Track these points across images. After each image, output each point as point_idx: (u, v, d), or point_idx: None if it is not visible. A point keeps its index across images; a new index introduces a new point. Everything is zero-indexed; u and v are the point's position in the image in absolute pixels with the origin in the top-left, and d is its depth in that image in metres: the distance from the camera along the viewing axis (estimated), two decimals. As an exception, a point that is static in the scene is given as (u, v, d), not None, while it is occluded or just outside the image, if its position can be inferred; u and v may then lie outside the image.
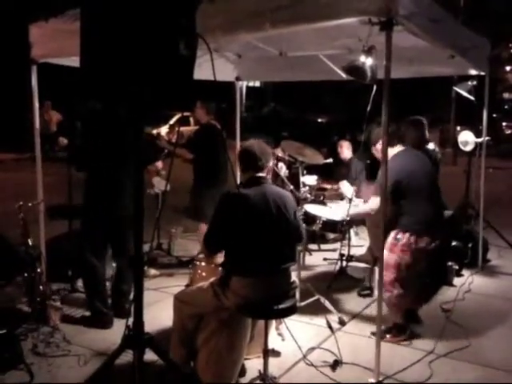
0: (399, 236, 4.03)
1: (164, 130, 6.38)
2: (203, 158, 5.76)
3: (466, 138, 6.71)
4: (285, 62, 5.68)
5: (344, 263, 5.79)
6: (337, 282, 5.47)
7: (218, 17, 3.49)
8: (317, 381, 3.62)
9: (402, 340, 4.17)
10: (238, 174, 3.70)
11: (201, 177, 5.86)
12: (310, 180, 6.27)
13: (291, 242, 3.50)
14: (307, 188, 5.43)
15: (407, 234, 4.01)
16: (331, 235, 6.97)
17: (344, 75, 4.40)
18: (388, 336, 4.16)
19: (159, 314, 4.34)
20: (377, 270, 3.68)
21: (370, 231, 5.45)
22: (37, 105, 4.97)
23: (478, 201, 6.29)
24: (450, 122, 20.01)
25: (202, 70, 2.55)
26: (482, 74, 5.71)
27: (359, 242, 6.90)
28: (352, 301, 5.09)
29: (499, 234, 7.00)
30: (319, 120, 21.50)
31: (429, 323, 4.47)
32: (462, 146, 6.82)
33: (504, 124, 24.41)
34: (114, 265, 4.87)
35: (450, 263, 5.58)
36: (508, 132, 24.11)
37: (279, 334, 4.17)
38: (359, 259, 6.03)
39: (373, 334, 4.04)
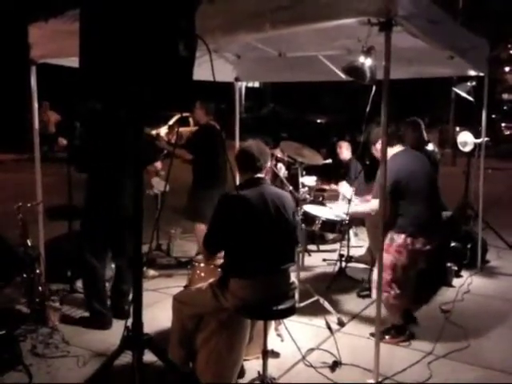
0: (394, 237, 4.03)
1: (163, 131, 6.39)
2: (202, 158, 5.76)
3: (465, 139, 6.73)
4: (284, 62, 5.68)
5: (343, 264, 5.79)
6: (336, 282, 5.47)
7: (218, 17, 3.49)
8: (316, 382, 3.62)
9: (401, 341, 4.17)
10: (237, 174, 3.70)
11: (200, 177, 5.86)
12: (309, 181, 6.28)
13: (290, 242, 3.50)
14: (306, 189, 5.42)
15: (403, 236, 4.02)
16: (330, 236, 6.97)
17: (343, 76, 4.41)
18: (387, 337, 4.16)
19: (158, 314, 4.34)
20: (375, 270, 3.68)
21: (370, 232, 5.45)
22: (36, 105, 4.97)
23: (477, 201, 6.29)
24: (449, 122, 20.02)
25: (202, 71, 2.55)
26: (481, 74, 5.71)
27: (358, 242, 6.91)
28: (351, 302, 5.09)
29: (498, 234, 7.00)
30: (318, 121, 21.52)
31: (428, 324, 4.48)
32: (461, 147, 6.83)
33: (503, 125, 24.47)
34: (113, 266, 4.88)
35: (449, 264, 5.58)
36: (507, 133, 24.17)
37: (278, 335, 4.16)
38: (358, 260, 6.04)
39: (372, 334, 4.04)
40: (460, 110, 17.29)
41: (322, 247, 6.93)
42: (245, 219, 3.26)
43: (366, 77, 3.79)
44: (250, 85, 27.93)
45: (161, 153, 5.74)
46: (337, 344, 3.98)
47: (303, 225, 4.94)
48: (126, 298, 4.58)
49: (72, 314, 4.63)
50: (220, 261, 3.53)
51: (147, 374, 2.41)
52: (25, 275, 4.50)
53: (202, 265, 3.97)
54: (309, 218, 4.95)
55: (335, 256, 5.93)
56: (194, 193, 5.85)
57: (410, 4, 3.28)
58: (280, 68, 5.97)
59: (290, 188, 4.89)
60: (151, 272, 5.69)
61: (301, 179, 5.54)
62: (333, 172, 7.53)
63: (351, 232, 6.55)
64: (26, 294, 4.57)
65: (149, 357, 2.36)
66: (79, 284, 4.94)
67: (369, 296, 5.08)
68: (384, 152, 3.45)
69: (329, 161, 7.09)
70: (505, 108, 28.49)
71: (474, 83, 6.39)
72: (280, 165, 6.69)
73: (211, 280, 3.47)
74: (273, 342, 3.95)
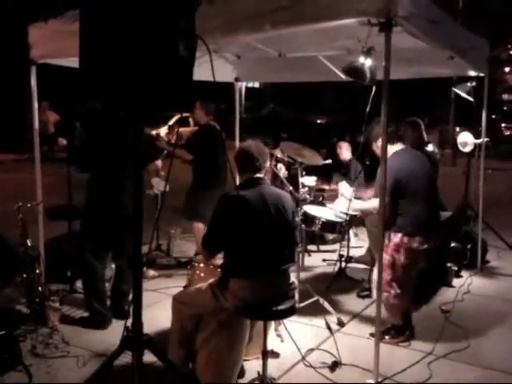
0: (392, 236, 4.04)
1: (163, 131, 6.38)
2: (202, 158, 5.76)
3: (465, 139, 6.73)
4: (284, 62, 5.68)
5: (343, 264, 5.79)
6: (336, 283, 5.47)
7: (218, 18, 3.49)
8: (316, 382, 3.62)
9: (401, 341, 4.17)
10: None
11: (200, 178, 5.86)
12: (309, 181, 6.28)
13: (290, 242, 3.50)
14: (306, 189, 5.42)
15: (399, 235, 4.02)
16: (330, 236, 6.97)
17: (343, 76, 4.40)
18: (387, 337, 4.16)
19: (158, 315, 4.34)
20: (375, 270, 3.68)
21: (369, 232, 5.45)
22: (36, 105, 4.97)
23: (477, 202, 6.30)
24: (449, 123, 20.03)
25: (202, 71, 2.55)
26: (481, 75, 5.71)
27: (358, 243, 6.91)
28: (351, 302, 5.09)
29: (498, 235, 7.00)
30: (318, 121, 21.53)
31: (428, 324, 4.48)
32: (461, 147, 6.83)
33: (503, 125, 24.48)
34: (113, 266, 4.88)
35: (449, 264, 5.58)
36: (507, 133, 24.18)
37: (278, 336, 4.16)
38: (358, 260, 6.04)
39: (372, 335, 4.04)
40: (460, 110, 17.30)
41: (321, 247, 6.93)
42: (244, 219, 3.26)
43: (366, 77, 3.79)
44: (250, 85, 27.93)
45: (161, 153, 5.74)
46: (336, 344, 3.98)
47: (303, 225, 4.95)
48: (125, 298, 4.58)
49: (72, 314, 4.63)
50: (219, 261, 3.53)
51: (147, 375, 2.41)
52: (25, 275, 4.50)
53: (202, 265, 3.97)
54: (309, 219, 4.95)
55: (335, 256, 5.93)
56: (194, 193, 5.85)
57: (409, 4, 3.28)
58: (280, 68, 5.98)
59: (290, 188, 4.90)
60: (151, 272, 5.68)
61: (301, 179, 5.54)
62: (333, 172, 7.54)
63: (351, 232, 6.55)
64: (25, 294, 4.57)
65: (148, 357, 2.36)
66: (79, 284, 4.94)
67: (368, 296, 5.08)
68: (384, 152, 3.45)
69: (328, 161, 7.09)
70: (505, 108, 28.49)
71: (473, 83, 6.39)
72: (280, 165, 6.69)
73: (211, 280, 3.47)
74: (273, 343, 3.94)
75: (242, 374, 3.57)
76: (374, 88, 3.85)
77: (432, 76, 6.13)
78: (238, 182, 3.56)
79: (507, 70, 27.61)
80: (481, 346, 4.18)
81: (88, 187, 4.48)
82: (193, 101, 4.44)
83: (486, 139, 6.28)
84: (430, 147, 5.64)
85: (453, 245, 5.89)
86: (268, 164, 3.64)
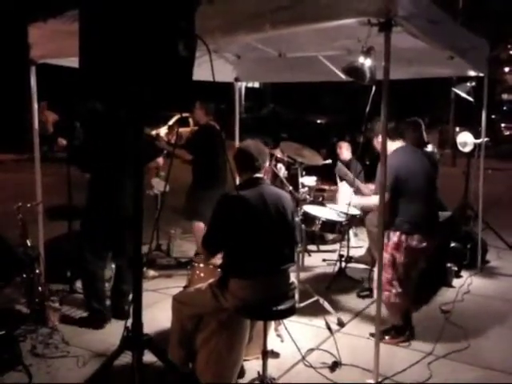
0: (391, 235, 4.04)
1: (163, 131, 6.38)
2: (202, 158, 5.76)
3: (465, 139, 6.73)
4: (284, 62, 5.68)
5: (343, 264, 5.79)
6: (336, 283, 5.47)
7: (218, 18, 3.49)
8: (316, 382, 3.62)
9: (401, 341, 4.17)
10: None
11: (200, 178, 5.86)
12: (309, 181, 6.28)
13: (290, 242, 3.49)
14: (306, 189, 5.43)
15: (397, 233, 4.03)
16: (330, 236, 6.97)
17: (343, 76, 4.40)
18: (387, 337, 4.16)
19: (158, 315, 4.33)
20: (375, 270, 3.68)
21: (369, 232, 5.45)
22: (36, 105, 4.98)
23: (477, 202, 6.30)
24: (449, 123, 20.03)
25: (201, 71, 2.55)
26: (481, 75, 5.71)
27: (358, 243, 6.91)
28: (351, 302, 5.09)
29: (498, 235, 7.00)
30: (318, 121, 21.52)
31: (428, 324, 4.48)
32: (460, 147, 6.83)
33: (503, 125, 24.47)
34: (113, 266, 4.88)
35: (449, 264, 5.58)
36: (507, 133, 24.17)
37: (278, 336, 4.16)
38: (358, 260, 6.04)
39: (372, 335, 4.04)
40: (460, 110, 17.30)
41: (321, 247, 6.93)
42: (244, 219, 3.25)
43: (366, 77, 3.79)
44: (250, 85, 27.94)
45: (161, 153, 5.74)
46: (336, 344, 3.98)
47: (303, 225, 4.94)
48: (126, 298, 4.58)
49: (72, 315, 4.63)
50: (219, 261, 3.53)
51: (147, 375, 2.41)
52: (24, 275, 4.50)
53: (202, 265, 3.97)
54: (309, 219, 4.95)
55: (335, 256, 5.93)
56: (194, 193, 5.85)
57: (409, 4, 3.28)
58: (280, 68, 5.98)
59: (290, 188, 4.90)
60: (151, 272, 5.68)
61: (300, 179, 5.54)
62: (333, 172, 7.53)
63: (351, 232, 6.55)
64: (25, 294, 4.57)
65: (148, 357, 2.36)
66: (79, 284, 4.94)
67: (368, 296, 5.09)
68: (384, 151, 3.44)
69: (328, 161, 7.09)
70: (504, 108, 28.47)
71: (473, 83, 6.39)
72: (280, 165, 6.69)
73: (211, 280, 3.47)
74: (272, 343, 3.94)
75: (241, 373, 3.57)
76: (373, 88, 3.85)
77: (432, 76, 6.13)
78: (237, 182, 3.56)
79: (507, 69, 27.62)
80: (481, 346, 4.18)
81: (88, 187, 4.48)
82: (192, 101, 4.43)
83: (486, 139, 6.28)
84: (429, 147, 5.63)
85: (453, 245, 5.89)
86: (267, 164, 3.63)
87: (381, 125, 3.89)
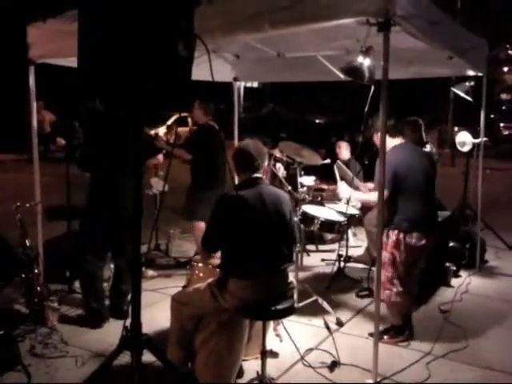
0: (390, 233, 4.05)
1: (162, 131, 6.37)
2: (201, 158, 5.75)
3: (464, 139, 6.73)
4: (283, 62, 5.68)
5: (342, 264, 5.79)
6: (335, 282, 5.47)
7: (217, 18, 3.49)
8: (315, 382, 3.62)
9: (400, 341, 4.17)
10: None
11: (199, 178, 5.85)
12: (308, 181, 6.29)
13: (289, 242, 3.49)
14: (305, 189, 5.43)
15: (396, 231, 4.03)
16: (329, 236, 6.97)
17: (342, 76, 4.40)
18: (386, 337, 4.16)
19: (157, 315, 4.33)
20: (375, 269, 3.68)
21: (368, 232, 5.46)
22: (35, 105, 4.97)
23: (476, 202, 6.30)
24: (448, 122, 20.02)
25: (200, 71, 2.55)
26: (480, 74, 5.72)
27: (357, 242, 6.91)
28: (350, 302, 5.09)
29: (497, 235, 7.01)
30: (317, 121, 21.51)
31: (427, 324, 4.48)
32: (459, 147, 6.84)
33: (502, 125, 24.42)
34: (111, 266, 4.87)
35: (447, 264, 5.58)
36: (506, 133, 24.13)
37: (277, 335, 4.16)
38: (357, 260, 6.04)
39: (371, 334, 4.04)
40: (459, 110, 17.30)
41: (320, 247, 6.93)
42: (243, 219, 3.25)
43: (365, 77, 3.79)
44: (249, 85, 27.91)
45: (160, 152, 5.73)
46: (335, 344, 3.98)
47: (302, 225, 4.95)
48: (125, 298, 4.58)
49: (71, 314, 4.63)
50: (218, 261, 3.53)
51: (146, 375, 2.41)
52: (23, 275, 4.50)
53: (201, 265, 3.97)
54: (308, 218, 4.95)
55: (334, 256, 5.93)
56: (193, 193, 5.84)
57: (408, 4, 3.28)
58: (279, 68, 5.98)
59: (289, 188, 4.90)
60: (150, 272, 5.68)
61: (299, 179, 5.54)
62: (332, 172, 7.53)
63: (350, 232, 6.55)
64: (24, 294, 4.57)
65: (148, 357, 2.36)
66: (78, 284, 4.94)
67: (367, 296, 5.09)
68: (383, 151, 3.44)
69: (327, 161, 7.09)
70: (503, 108, 28.45)
71: (472, 83, 6.39)
72: (279, 165, 6.69)
73: (210, 280, 3.47)
74: (272, 342, 3.94)
75: (240, 373, 3.57)
76: (372, 88, 3.85)
77: (431, 76, 6.13)
78: (236, 182, 3.56)
79: (506, 69, 27.60)
80: (479, 345, 4.19)
81: (89, 187, 4.48)
82: (191, 100, 4.44)
83: (485, 139, 6.28)
84: (427, 147, 5.63)
85: (451, 244, 5.90)
86: (266, 164, 3.63)
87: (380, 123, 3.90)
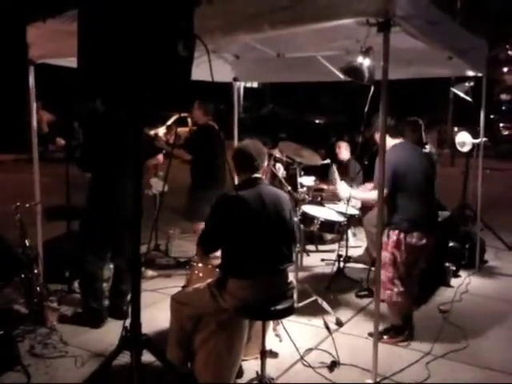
0: (390, 233, 4.05)
1: (162, 131, 6.37)
2: (201, 159, 5.75)
3: (464, 139, 6.74)
4: (283, 63, 5.68)
5: (342, 264, 5.79)
6: (334, 282, 5.47)
7: (217, 18, 3.49)
8: (314, 382, 3.62)
9: (400, 341, 4.17)
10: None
11: (198, 178, 5.85)
12: (308, 181, 6.29)
13: (288, 242, 3.49)
14: (305, 189, 5.43)
15: (396, 231, 4.03)
16: (329, 236, 6.97)
17: (342, 76, 4.40)
18: (385, 337, 4.16)
19: (157, 315, 4.34)
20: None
21: (367, 232, 5.45)
22: (34, 105, 4.97)
23: (476, 202, 6.30)
24: (448, 122, 20.01)
25: (200, 71, 2.55)
26: (480, 75, 5.72)
27: (357, 242, 6.91)
28: (350, 302, 5.09)
29: (496, 235, 7.01)
30: (317, 121, 21.50)
31: (426, 324, 4.48)
32: (459, 147, 6.84)
33: (501, 125, 24.42)
34: (111, 266, 4.87)
35: (447, 264, 5.58)
36: (505, 133, 24.13)
37: (277, 335, 4.16)
38: (357, 260, 6.04)
39: (370, 335, 4.04)
40: (458, 110, 17.29)
41: (320, 247, 6.93)
42: (243, 220, 3.25)
43: (365, 77, 3.80)
44: (249, 85, 27.89)
45: (160, 152, 5.73)
46: (335, 344, 3.98)
47: (302, 225, 4.94)
48: (124, 298, 4.58)
49: (70, 315, 4.62)
50: (217, 261, 3.53)
51: (145, 375, 2.41)
52: (23, 275, 4.50)
53: (201, 265, 3.97)
54: (307, 219, 4.95)
55: (334, 256, 5.93)
56: (193, 193, 5.84)
57: (408, 5, 3.28)
58: (279, 68, 5.98)
59: (289, 188, 4.90)
60: (150, 272, 5.68)
61: (299, 179, 5.54)
62: (331, 172, 7.53)
63: (350, 232, 6.55)
64: (24, 294, 4.57)
65: (147, 357, 2.36)
66: (77, 284, 4.94)
67: (367, 296, 5.09)
68: (383, 151, 3.45)
69: (327, 161, 7.09)
70: (503, 108, 28.45)
71: (472, 83, 6.40)
72: (278, 165, 6.69)
73: (209, 280, 3.47)
74: (271, 342, 3.94)
75: (240, 373, 3.57)
76: (372, 88, 3.85)
77: (431, 76, 6.13)
78: (236, 182, 3.56)
79: (505, 70, 27.60)
80: (479, 345, 4.19)
81: (89, 187, 4.48)
82: (191, 101, 4.44)
83: (485, 139, 6.28)
84: (427, 148, 5.64)
85: (451, 245, 5.90)
86: (266, 164, 3.63)
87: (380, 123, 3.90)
